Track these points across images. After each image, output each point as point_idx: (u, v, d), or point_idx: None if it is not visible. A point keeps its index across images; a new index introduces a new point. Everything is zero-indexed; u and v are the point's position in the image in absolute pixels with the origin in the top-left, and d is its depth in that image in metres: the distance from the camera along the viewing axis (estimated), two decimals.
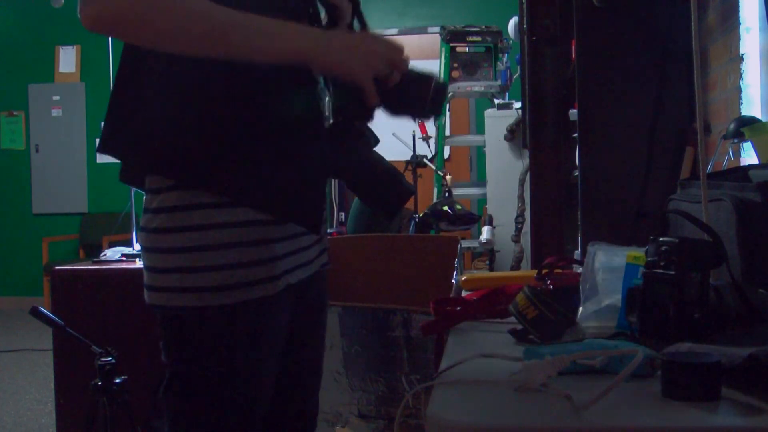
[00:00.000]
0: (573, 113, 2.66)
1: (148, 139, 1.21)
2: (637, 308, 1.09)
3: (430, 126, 5.45)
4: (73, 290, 2.96)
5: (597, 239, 1.34)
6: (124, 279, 2.97)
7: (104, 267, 3.08)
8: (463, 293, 1.63)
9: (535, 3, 2.96)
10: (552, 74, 2.90)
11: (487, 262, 4.50)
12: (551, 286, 1.38)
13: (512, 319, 1.22)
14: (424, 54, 5.60)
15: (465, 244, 4.41)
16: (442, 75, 5.35)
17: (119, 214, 4.97)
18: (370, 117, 1.23)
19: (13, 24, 7.87)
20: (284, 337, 1.29)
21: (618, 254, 1.25)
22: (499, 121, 4.83)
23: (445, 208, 4.35)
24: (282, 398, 1.35)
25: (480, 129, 6.05)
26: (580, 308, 1.23)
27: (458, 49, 5.30)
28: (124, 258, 3.22)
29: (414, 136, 5.26)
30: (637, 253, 1.17)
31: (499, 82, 5.24)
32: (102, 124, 1.29)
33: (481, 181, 5.66)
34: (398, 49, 1.20)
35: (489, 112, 5.01)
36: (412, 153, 5.23)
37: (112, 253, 3.33)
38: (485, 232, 4.30)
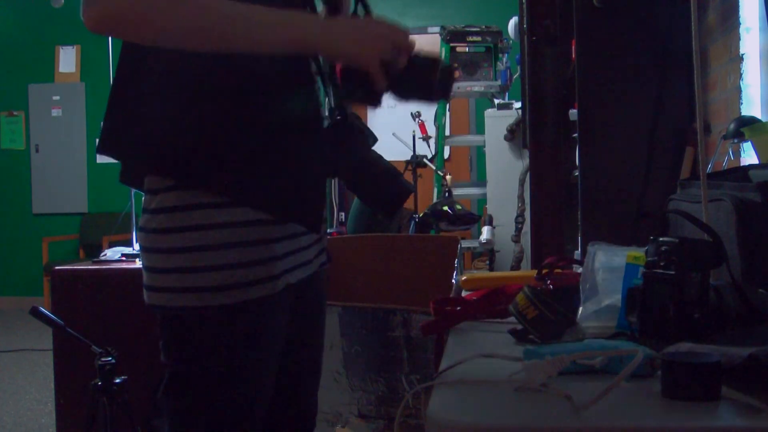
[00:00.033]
0: (573, 113, 2.66)
1: (147, 140, 1.21)
2: (637, 308, 1.09)
3: (430, 126, 5.45)
4: (73, 290, 2.96)
5: (597, 239, 1.34)
6: (124, 279, 2.97)
7: (104, 267, 3.07)
8: (463, 293, 1.63)
9: (535, 3, 2.95)
10: (552, 74, 2.90)
11: (487, 262, 4.50)
12: (551, 286, 1.38)
13: (512, 319, 1.22)
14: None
15: (465, 244, 4.41)
16: None
17: (119, 214, 4.97)
18: (378, 102, 1.22)
19: (13, 24, 7.87)
20: (284, 336, 1.29)
21: (618, 254, 1.25)
22: (499, 121, 4.84)
23: (445, 208, 4.35)
24: (281, 398, 1.35)
25: (480, 129, 6.06)
26: (580, 308, 1.23)
27: (458, 49, 5.30)
28: (124, 258, 3.22)
29: (414, 136, 5.27)
30: (637, 253, 1.17)
31: (499, 82, 5.25)
32: (102, 124, 1.29)
33: (481, 181, 5.66)
34: (403, 33, 1.20)
35: (489, 112, 5.01)
36: (412, 153, 5.23)
37: (112, 253, 3.32)
38: (485, 232, 4.30)
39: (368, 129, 1.37)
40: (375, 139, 1.38)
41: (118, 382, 2.31)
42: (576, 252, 2.56)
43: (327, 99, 1.36)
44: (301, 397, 1.42)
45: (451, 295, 2.06)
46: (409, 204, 5.07)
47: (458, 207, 4.39)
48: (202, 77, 1.18)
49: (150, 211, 1.21)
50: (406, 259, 3.04)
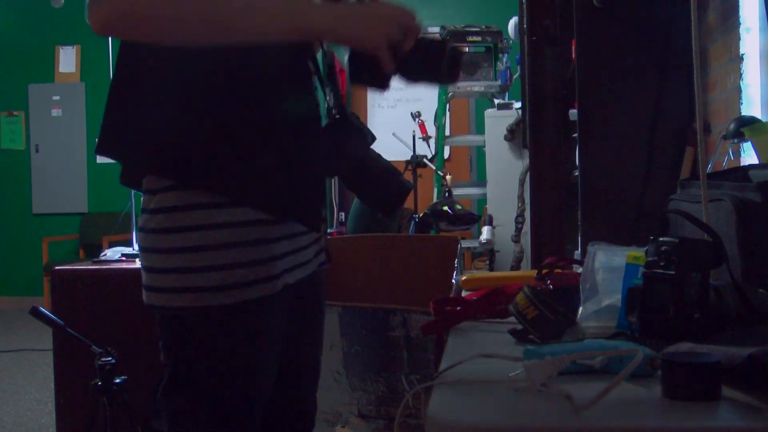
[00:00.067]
0: (573, 113, 2.66)
1: (145, 140, 1.21)
2: (637, 308, 1.09)
3: (430, 126, 5.45)
4: (73, 290, 2.96)
5: (597, 239, 1.34)
6: (124, 279, 2.97)
7: (104, 267, 3.07)
8: (463, 293, 1.63)
9: (535, 3, 2.95)
10: (552, 74, 2.90)
11: (487, 262, 4.50)
12: (551, 286, 1.38)
13: (512, 319, 1.22)
14: None
15: (465, 244, 4.41)
16: None
17: (119, 214, 4.97)
18: (387, 85, 1.22)
19: (13, 24, 7.87)
20: (283, 336, 1.29)
21: (618, 254, 1.25)
22: (499, 121, 4.84)
23: (445, 208, 4.35)
24: (280, 398, 1.35)
25: (480, 129, 6.06)
26: (580, 308, 1.23)
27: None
28: (124, 258, 3.22)
29: (414, 136, 5.27)
30: (637, 253, 1.17)
31: (499, 82, 5.25)
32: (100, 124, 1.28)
33: (481, 181, 5.66)
34: (410, 14, 1.19)
35: (489, 112, 5.01)
36: (412, 153, 5.23)
37: (112, 253, 3.32)
38: (485, 232, 4.30)
39: (366, 127, 1.37)
40: (373, 138, 1.38)
41: (118, 382, 2.31)
42: (576, 252, 2.56)
43: (326, 98, 1.36)
44: (300, 396, 1.43)
45: (451, 295, 2.06)
46: (409, 204, 5.07)
47: (458, 207, 4.39)
48: (200, 77, 1.18)
49: (149, 211, 1.21)
50: (406, 259, 3.04)
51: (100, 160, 7.30)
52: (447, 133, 5.47)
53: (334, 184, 4.63)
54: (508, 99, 5.12)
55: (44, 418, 3.93)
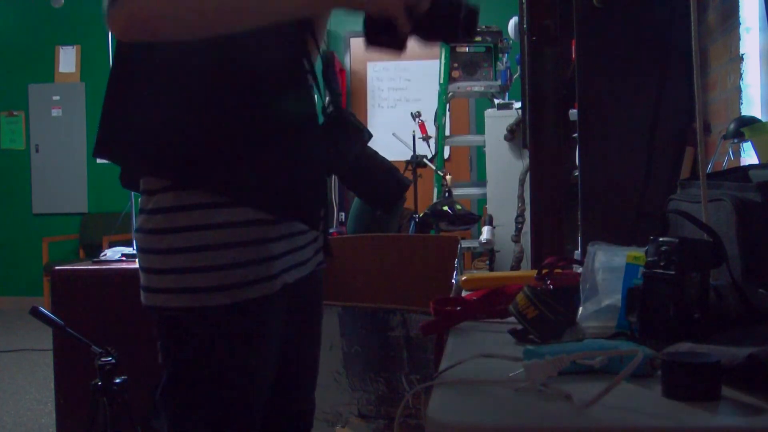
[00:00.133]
0: (573, 113, 2.66)
1: (143, 141, 1.20)
2: (637, 308, 1.09)
3: (430, 126, 5.45)
4: (73, 290, 2.96)
5: (597, 239, 1.34)
6: (124, 279, 2.97)
7: (104, 267, 3.07)
8: (463, 293, 1.62)
9: (535, 3, 2.95)
10: (552, 74, 2.89)
11: (487, 262, 4.50)
12: (551, 286, 1.38)
13: (512, 319, 1.22)
14: (425, 54, 5.61)
15: (465, 244, 4.41)
16: (442, 75, 5.36)
17: (119, 214, 4.98)
18: (403, 47, 1.21)
19: (13, 24, 7.87)
20: (281, 336, 1.29)
21: (618, 254, 1.25)
22: (499, 121, 4.84)
23: (445, 208, 4.35)
24: (278, 397, 1.35)
25: (480, 129, 6.05)
26: (580, 308, 1.23)
27: (458, 49, 5.31)
28: (124, 258, 3.22)
29: (414, 136, 5.27)
30: (637, 253, 1.17)
31: (499, 82, 5.25)
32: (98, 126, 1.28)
33: (481, 181, 5.66)
34: None
35: (489, 112, 5.01)
36: (412, 153, 5.23)
37: (112, 253, 3.32)
38: (485, 232, 4.30)
39: (363, 125, 1.37)
40: (370, 135, 1.38)
41: (118, 382, 2.31)
42: (576, 252, 2.56)
43: (321, 97, 1.36)
44: (298, 396, 1.43)
45: (451, 295, 2.06)
46: (409, 204, 5.08)
47: (458, 207, 4.39)
48: (197, 77, 1.18)
49: (147, 212, 1.21)
50: (406, 259, 3.04)
51: (100, 160, 7.29)
52: (447, 133, 5.47)
53: (334, 184, 4.63)
54: (508, 99, 5.12)
55: (44, 418, 3.93)
